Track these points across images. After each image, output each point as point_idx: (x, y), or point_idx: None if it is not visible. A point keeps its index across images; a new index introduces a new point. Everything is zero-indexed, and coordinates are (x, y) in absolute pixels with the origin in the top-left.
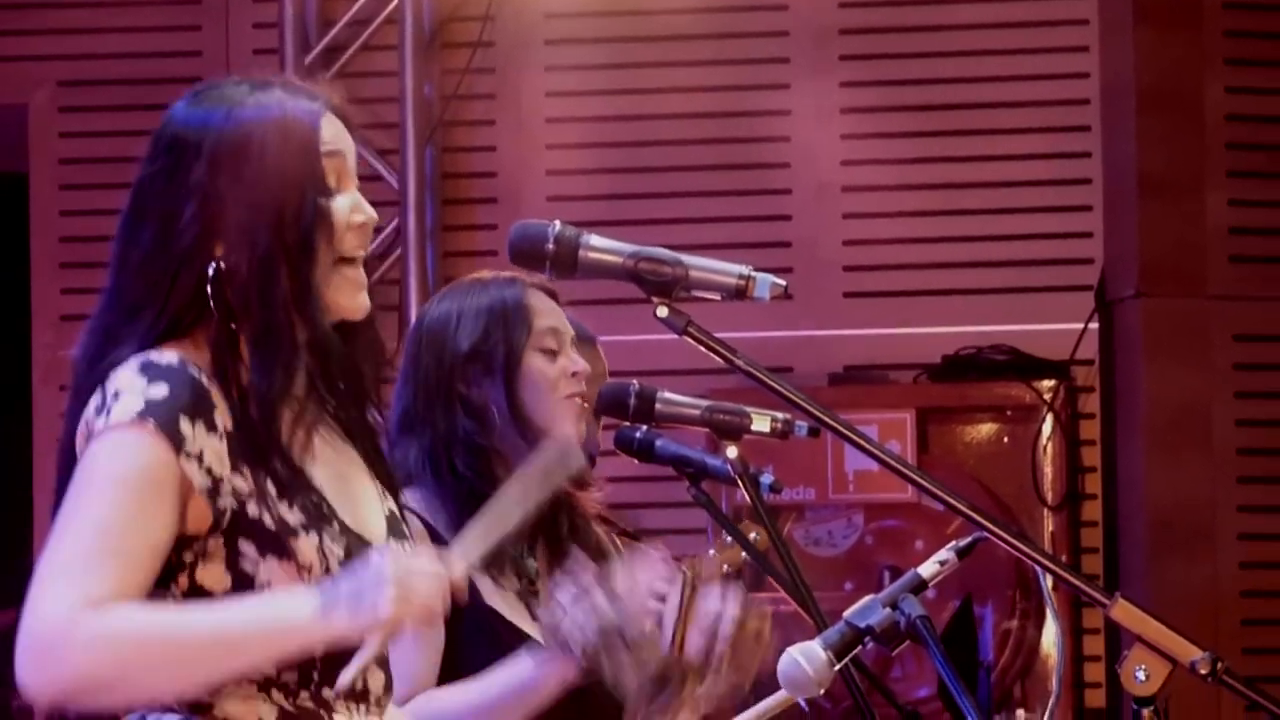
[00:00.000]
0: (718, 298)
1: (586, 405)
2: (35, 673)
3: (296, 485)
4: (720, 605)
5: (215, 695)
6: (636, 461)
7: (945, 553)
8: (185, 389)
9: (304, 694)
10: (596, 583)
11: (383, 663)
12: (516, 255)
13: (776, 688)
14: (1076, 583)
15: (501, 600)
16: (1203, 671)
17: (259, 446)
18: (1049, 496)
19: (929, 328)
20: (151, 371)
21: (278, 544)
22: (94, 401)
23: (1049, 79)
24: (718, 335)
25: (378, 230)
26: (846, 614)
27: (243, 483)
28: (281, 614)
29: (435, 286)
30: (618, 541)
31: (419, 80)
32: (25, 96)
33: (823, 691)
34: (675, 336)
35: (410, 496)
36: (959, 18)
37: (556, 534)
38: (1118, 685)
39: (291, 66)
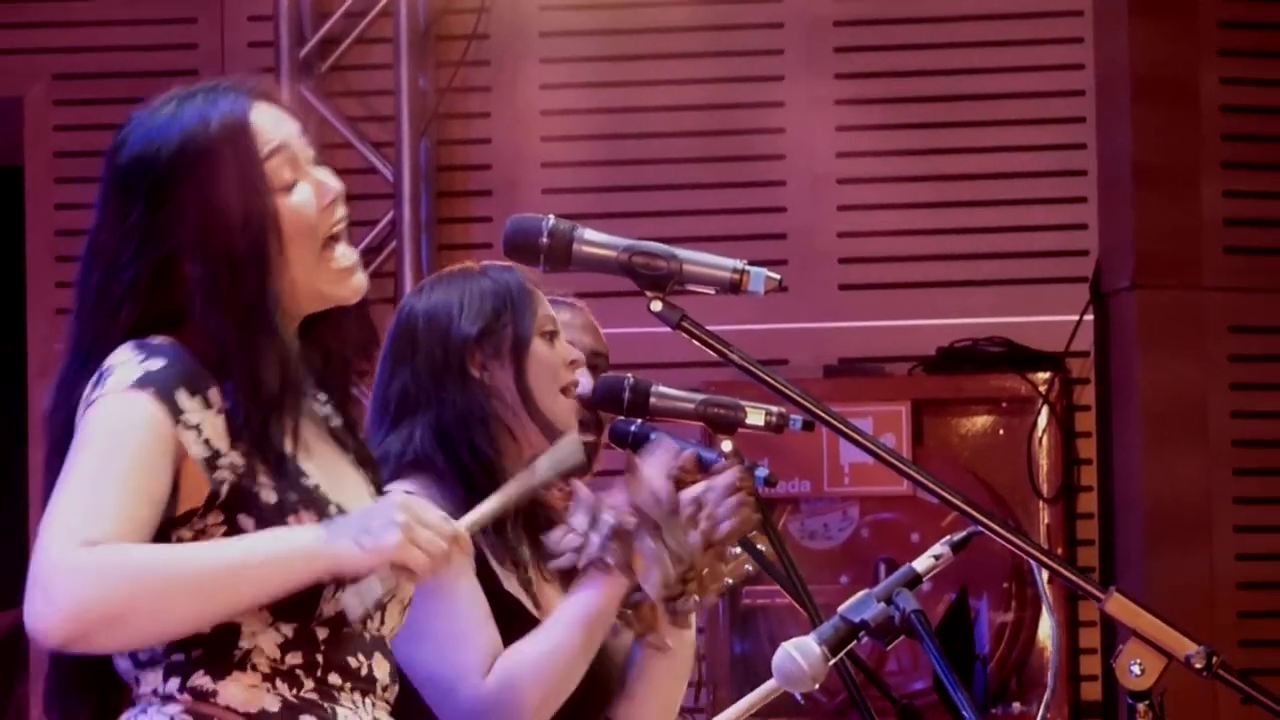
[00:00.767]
0: (712, 292)
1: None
2: (41, 610)
3: (294, 469)
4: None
5: (219, 681)
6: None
7: (940, 547)
8: (182, 363)
9: (309, 683)
10: (603, 500)
11: (387, 652)
12: (511, 249)
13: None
14: (1071, 576)
15: (512, 587)
16: (1198, 665)
17: (254, 431)
18: (1044, 489)
19: (924, 320)
20: (147, 349)
21: (278, 519)
22: (89, 383)
23: (1043, 70)
24: (713, 328)
25: (373, 223)
26: (841, 609)
27: (240, 460)
28: (286, 541)
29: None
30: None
31: (414, 73)
32: (20, 90)
33: (817, 686)
34: (671, 330)
35: (410, 485)
36: (953, 9)
37: (534, 524)
38: (1114, 678)
39: (286, 59)
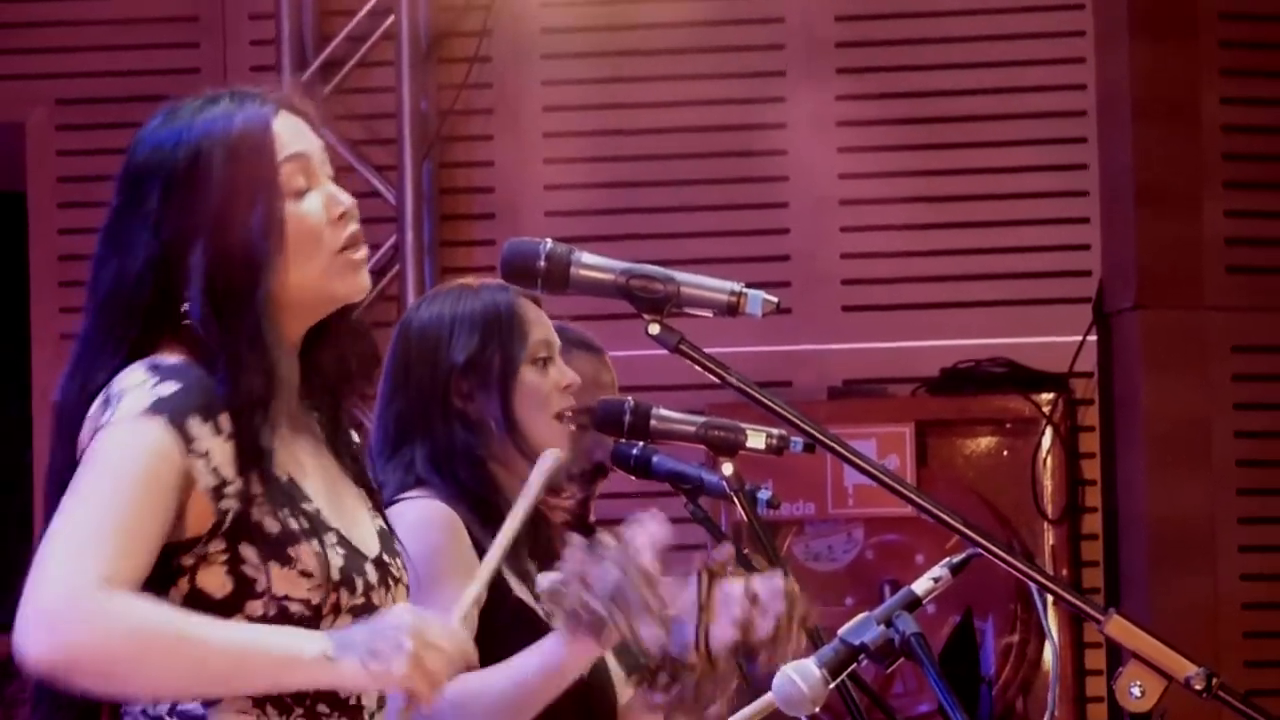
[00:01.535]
0: (710, 314)
1: (576, 417)
2: (38, 641)
3: (296, 494)
4: (750, 589)
5: (208, 707)
6: (634, 478)
7: (939, 569)
8: (195, 387)
9: (298, 710)
10: (594, 556)
11: None
12: (508, 273)
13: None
14: (1070, 598)
15: (524, 594)
16: (1197, 687)
17: (259, 454)
18: (1049, 510)
19: (927, 341)
20: (160, 371)
21: (279, 549)
22: (95, 406)
23: (1045, 91)
24: (716, 350)
25: (375, 247)
26: (841, 631)
27: (245, 487)
28: (292, 645)
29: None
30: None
31: (416, 95)
32: (23, 115)
33: (818, 710)
34: (669, 352)
35: (417, 491)
36: (955, 30)
37: (536, 545)
38: None
39: (288, 83)
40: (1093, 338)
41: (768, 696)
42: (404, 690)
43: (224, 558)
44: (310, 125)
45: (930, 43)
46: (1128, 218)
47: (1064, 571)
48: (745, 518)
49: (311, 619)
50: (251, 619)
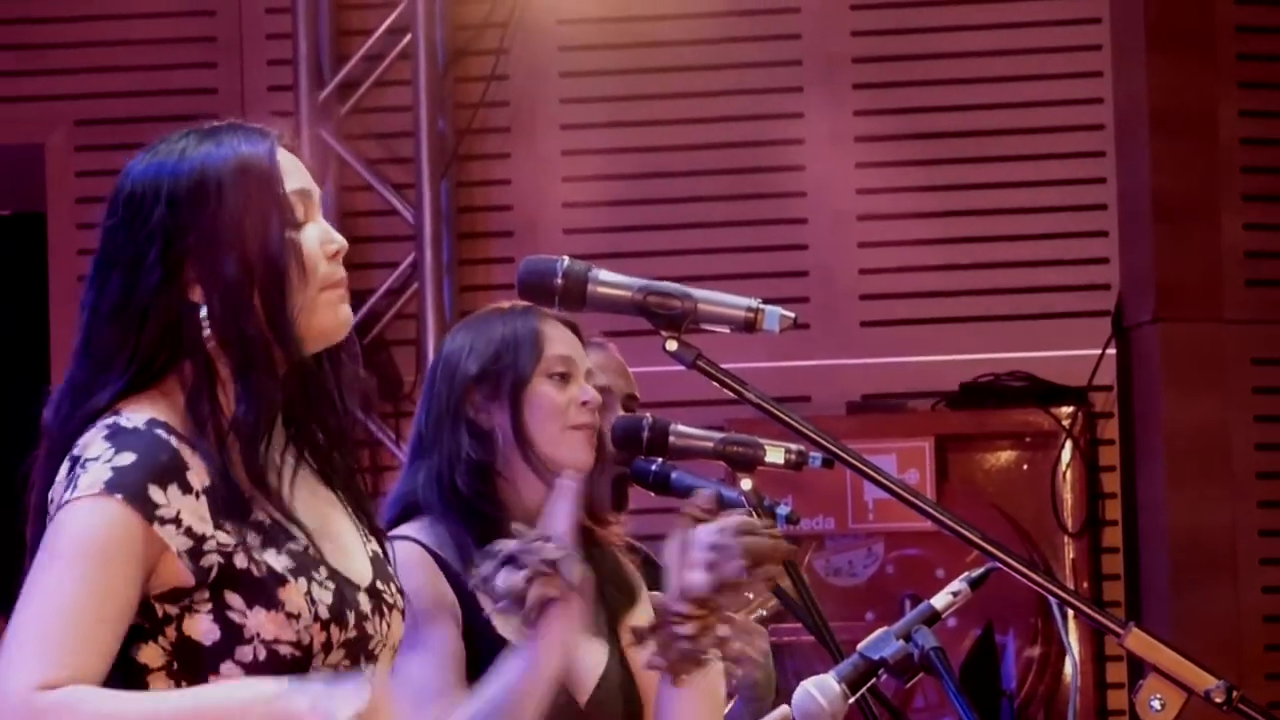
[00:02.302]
0: (727, 330)
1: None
2: None
3: (281, 532)
4: (718, 535)
5: None
6: (653, 494)
7: (958, 584)
8: (153, 454)
9: None
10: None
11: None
12: (525, 290)
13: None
14: (1089, 611)
15: (510, 628)
16: (1218, 700)
17: (239, 498)
18: (1069, 523)
19: (946, 355)
20: (119, 439)
21: (265, 594)
22: (63, 470)
23: (1063, 105)
24: (735, 366)
25: (394, 265)
26: (860, 646)
27: (227, 537)
28: (245, 695)
29: (452, 321)
30: (640, 570)
31: (433, 114)
32: (42, 136)
33: None
34: (687, 368)
35: (415, 527)
36: (971, 45)
37: (603, 566)
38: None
39: (306, 103)
40: (1112, 351)
41: (785, 710)
42: None
43: (208, 606)
44: (302, 162)
45: (947, 58)
46: (1146, 231)
47: (1085, 585)
48: None
49: (302, 659)
50: (242, 664)
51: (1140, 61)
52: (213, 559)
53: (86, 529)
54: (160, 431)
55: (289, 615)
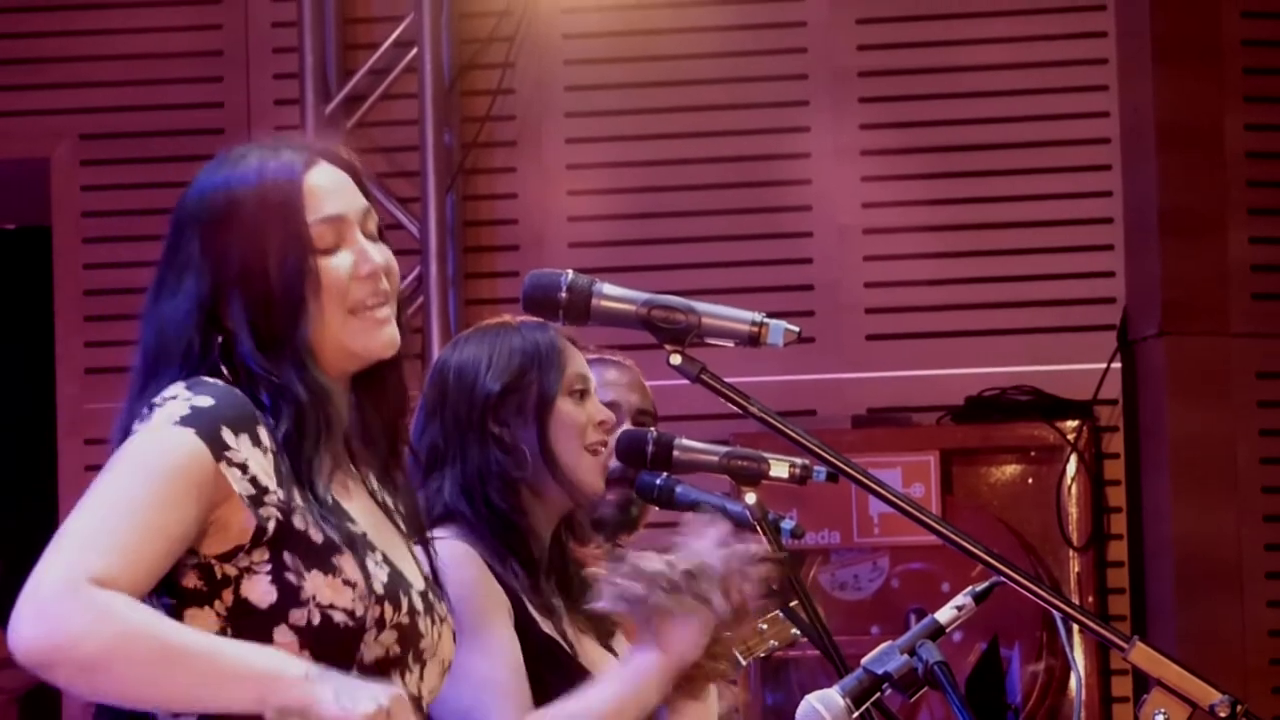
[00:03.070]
0: (731, 344)
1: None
2: (28, 628)
3: (340, 513)
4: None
5: None
6: (657, 508)
7: (962, 598)
8: (230, 402)
9: None
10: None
11: (423, 713)
12: (530, 304)
13: None
14: (1094, 626)
15: (551, 630)
16: (1222, 715)
17: (303, 470)
18: (1074, 537)
19: (952, 369)
20: (200, 386)
21: (322, 558)
22: (139, 414)
23: (1069, 118)
24: (740, 379)
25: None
26: (864, 660)
27: (288, 497)
28: (278, 664)
29: (457, 334)
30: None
31: (439, 128)
32: (47, 150)
33: None
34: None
35: (452, 531)
36: (978, 59)
37: (567, 581)
38: None
39: (312, 116)
40: (1117, 365)
41: None
42: None
43: (268, 566)
44: (354, 177)
45: (953, 71)
46: (1152, 245)
47: (1090, 599)
48: (769, 548)
49: (355, 630)
50: (296, 628)
51: (1146, 75)
52: (272, 512)
53: (156, 450)
54: (237, 390)
55: (345, 582)
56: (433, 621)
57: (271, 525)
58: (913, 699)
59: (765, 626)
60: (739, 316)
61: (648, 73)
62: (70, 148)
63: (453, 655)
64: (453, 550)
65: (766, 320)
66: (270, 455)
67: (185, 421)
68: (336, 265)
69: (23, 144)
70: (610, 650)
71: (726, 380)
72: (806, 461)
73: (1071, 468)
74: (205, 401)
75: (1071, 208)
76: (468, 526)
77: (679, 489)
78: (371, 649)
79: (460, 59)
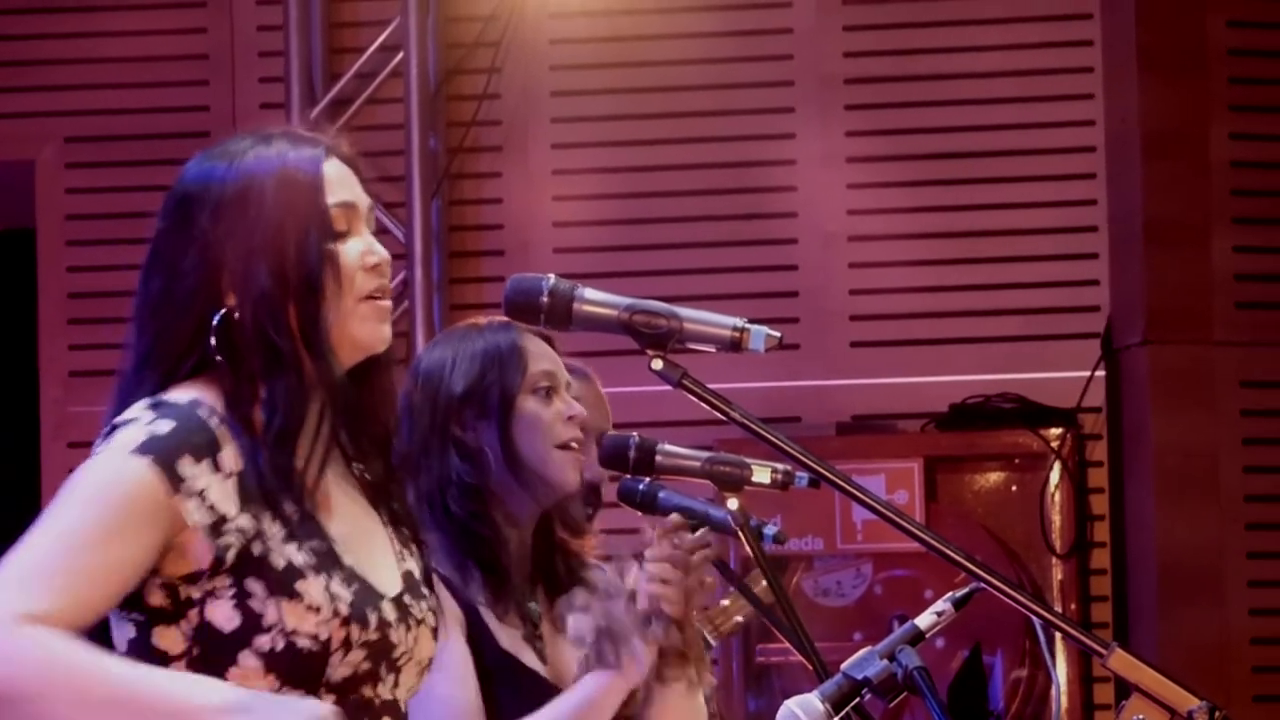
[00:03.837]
0: (713, 350)
1: (580, 449)
2: None
3: (306, 530)
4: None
5: None
6: (640, 514)
7: (942, 604)
8: (190, 428)
9: None
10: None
11: (399, 715)
12: (512, 309)
13: None
14: (1073, 632)
15: (510, 643)
16: None
17: (268, 490)
18: (1057, 544)
19: (936, 376)
20: (160, 409)
21: (285, 585)
22: (102, 434)
23: (1054, 127)
24: (725, 386)
25: None
26: (844, 666)
27: (249, 523)
28: (195, 694)
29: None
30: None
31: (425, 133)
32: (32, 152)
33: None
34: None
35: None
36: (963, 66)
37: (555, 578)
38: None
39: (297, 120)
40: (1101, 373)
41: None
42: None
43: (230, 592)
44: (358, 176)
45: (939, 79)
46: (1136, 253)
47: (1073, 606)
48: (752, 553)
49: (320, 654)
50: (261, 654)
51: (1132, 84)
52: (232, 540)
53: (109, 479)
54: (201, 411)
55: (309, 608)
56: (408, 627)
57: (231, 555)
58: (892, 704)
59: (727, 603)
60: (721, 322)
61: (634, 79)
62: (55, 150)
63: (434, 653)
64: None
65: (748, 326)
66: (233, 479)
67: (142, 449)
68: (346, 251)
69: (7, 146)
70: None
71: (711, 386)
72: (789, 467)
73: (1055, 475)
74: (164, 427)
75: (1056, 216)
76: (429, 537)
77: (662, 494)
78: (339, 669)
79: (446, 64)
